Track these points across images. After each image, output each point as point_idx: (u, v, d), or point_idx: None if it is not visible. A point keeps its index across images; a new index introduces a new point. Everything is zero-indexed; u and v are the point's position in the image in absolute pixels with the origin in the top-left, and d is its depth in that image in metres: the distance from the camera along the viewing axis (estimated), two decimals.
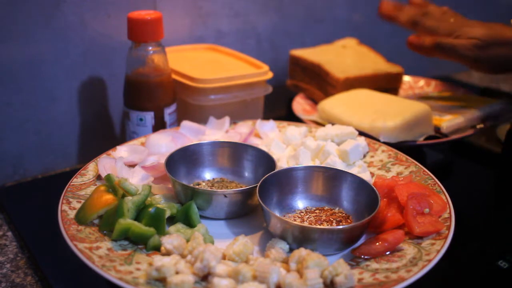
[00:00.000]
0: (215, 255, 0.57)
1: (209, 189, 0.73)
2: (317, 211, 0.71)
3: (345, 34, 1.25)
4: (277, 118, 0.97)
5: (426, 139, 0.91)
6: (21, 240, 0.74)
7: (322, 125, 0.93)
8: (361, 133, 0.88)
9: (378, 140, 0.87)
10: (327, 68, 1.06)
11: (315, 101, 1.10)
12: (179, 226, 0.67)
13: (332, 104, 0.97)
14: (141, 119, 0.87)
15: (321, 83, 1.08)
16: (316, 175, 0.72)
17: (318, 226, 0.66)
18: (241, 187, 0.76)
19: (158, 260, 0.56)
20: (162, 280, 0.56)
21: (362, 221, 0.62)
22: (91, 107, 0.96)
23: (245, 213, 0.72)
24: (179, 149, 0.76)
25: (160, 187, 0.73)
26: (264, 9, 1.13)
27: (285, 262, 0.60)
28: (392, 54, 1.30)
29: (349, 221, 0.68)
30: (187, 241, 0.63)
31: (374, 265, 0.60)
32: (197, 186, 0.75)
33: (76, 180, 0.72)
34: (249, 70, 0.94)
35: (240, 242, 0.61)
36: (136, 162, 0.78)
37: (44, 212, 0.73)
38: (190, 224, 0.67)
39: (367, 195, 0.68)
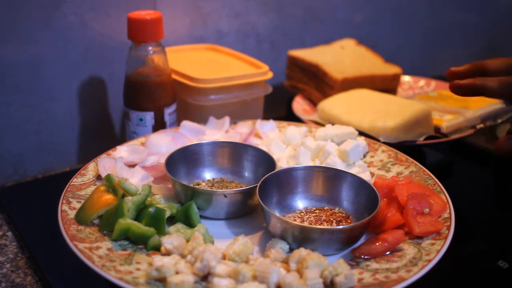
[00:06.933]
0: (215, 255, 0.57)
1: (209, 189, 0.73)
2: (317, 211, 0.71)
3: (345, 34, 1.25)
4: (277, 118, 0.96)
5: (426, 139, 0.91)
6: (21, 240, 0.74)
7: (322, 125, 0.93)
8: (361, 133, 0.87)
9: (378, 140, 0.87)
10: (325, 69, 1.06)
11: (313, 102, 1.10)
12: (179, 226, 0.67)
13: (332, 104, 0.97)
14: (141, 119, 0.87)
15: (319, 84, 1.08)
16: (316, 175, 0.72)
17: (318, 226, 0.66)
18: (241, 187, 0.76)
19: (158, 260, 0.56)
20: (162, 280, 0.56)
21: (362, 221, 0.62)
22: (91, 107, 0.96)
23: (245, 213, 0.72)
24: (179, 149, 0.76)
25: (160, 187, 0.73)
26: (264, 9, 1.13)
27: (285, 262, 0.60)
28: (392, 54, 1.30)
29: (349, 221, 0.68)
30: (187, 241, 0.63)
31: (374, 265, 0.60)
32: (197, 186, 0.75)
33: (76, 180, 0.72)
34: (249, 70, 0.94)
35: (240, 242, 0.61)
36: (136, 162, 0.78)
37: (44, 212, 0.73)
38: (190, 224, 0.67)
39: (367, 195, 0.67)
